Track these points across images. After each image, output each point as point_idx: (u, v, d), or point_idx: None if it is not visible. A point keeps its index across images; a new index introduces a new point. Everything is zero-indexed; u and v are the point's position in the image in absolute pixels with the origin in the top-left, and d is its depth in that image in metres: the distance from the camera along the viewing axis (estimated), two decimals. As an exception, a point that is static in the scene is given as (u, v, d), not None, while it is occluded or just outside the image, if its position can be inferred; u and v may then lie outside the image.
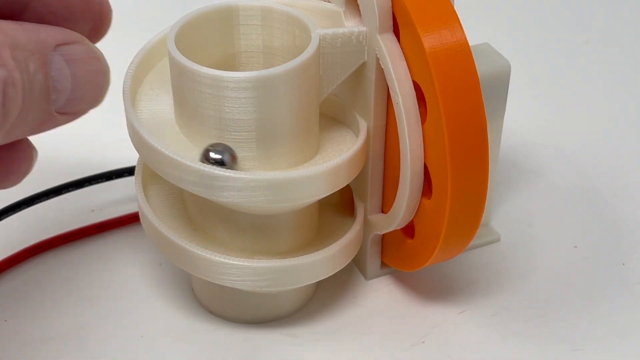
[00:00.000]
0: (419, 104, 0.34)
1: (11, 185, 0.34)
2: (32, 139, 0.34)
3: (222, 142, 0.34)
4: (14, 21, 0.30)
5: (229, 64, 0.37)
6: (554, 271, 0.42)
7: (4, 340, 0.38)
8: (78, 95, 0.31)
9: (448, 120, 0.33)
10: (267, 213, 0.36)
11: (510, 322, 0.39)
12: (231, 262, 0.35)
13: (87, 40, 0.32)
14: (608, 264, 0.42)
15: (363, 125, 0.37)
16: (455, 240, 0.36)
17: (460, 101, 0.33)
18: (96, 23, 0.33)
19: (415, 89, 0.34)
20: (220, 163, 0.34)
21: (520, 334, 0.39)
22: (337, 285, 0.41)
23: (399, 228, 0.38)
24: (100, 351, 0.38)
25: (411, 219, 0.37)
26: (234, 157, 0.34)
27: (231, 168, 0.34)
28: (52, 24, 0.31)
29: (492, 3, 0.64)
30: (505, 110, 0.40)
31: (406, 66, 0.34)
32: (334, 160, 0.35)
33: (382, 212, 0.39)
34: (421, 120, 0.34)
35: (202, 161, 0.34)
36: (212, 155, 0.34)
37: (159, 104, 0.37)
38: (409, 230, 0.38)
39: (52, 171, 0.47)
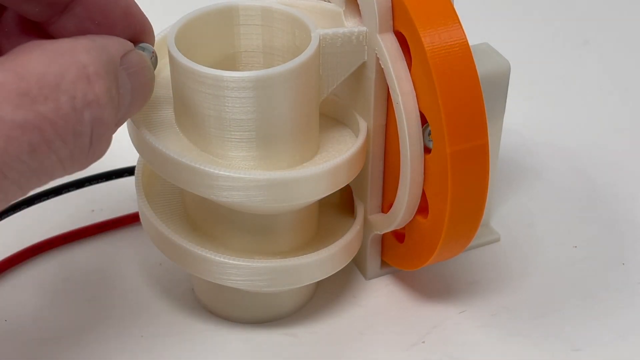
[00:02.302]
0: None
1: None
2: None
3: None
4: (83, 37, 0.29)
5: (229, 64, 0.38)
6: (554, 271, 0.42)
7: (4, 340, 0.38)
8: (132, 108, 0.30)
9: (448, 120, 0.33)
10: (267, 213, 0.36)
11: (510, 322, 0.39)
12: (231, 262, 0.35)
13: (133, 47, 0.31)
14: (608, 264, 0.42)
15: (363, 125, 0.37)
16: (449, 250, 0.36)
17: (460, 101, 0.33)
18: (135, 42, 0.31)
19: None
20: None
21: (520, 333, 0.39)
22: (337, 285, 0.41)
23: (398, 228, 0.38)
24: (100, 351, 0.38)
25: (411, 219, 0.37)
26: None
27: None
28: (88, 32, 0.30)
29: (492, 3, 0.64)
30: (505, 110, 0.40)
31: (406, 66, 0.34)
32: (334, 160, 0.35)
33: (382, 212, 0.39)
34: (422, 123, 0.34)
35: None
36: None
37: (159, 104, 0.37)
38: (399, 236, 0.38)
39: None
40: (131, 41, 0.31)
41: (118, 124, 0.30)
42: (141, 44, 0.32)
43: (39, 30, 0.30)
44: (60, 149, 0.27)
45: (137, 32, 0.32)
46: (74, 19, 0.30)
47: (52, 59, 0.27)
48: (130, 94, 0.30)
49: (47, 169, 0.27)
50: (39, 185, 0.27)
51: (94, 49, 0.28)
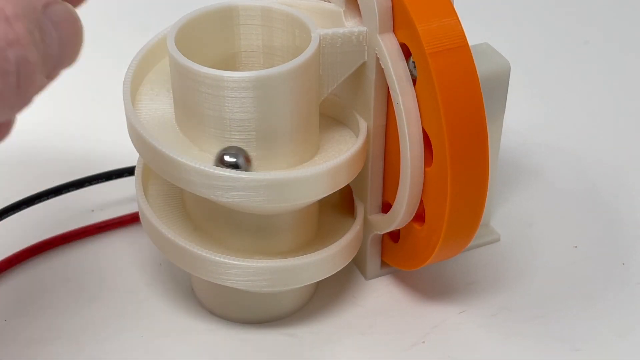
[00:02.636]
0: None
1: None
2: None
3: (235, 145, 0.34)
4: None
5: (229, 64, 0.38)
6: (554, 271, 0.42)
7: (4, 340, 0.38)
8: (62, 59, 0.30)
9: (448, 120, 0.33)
10: (267, 213, 0.36)
11: (510, 322, 0.39)
12: (231, 262, 0.35)
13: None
14: (608, 264, 0.42)
15: (363, 125, 0.37)
16: (461, 219, 0.35)
17: (460, 101, 0.33)
18: None
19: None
20: (234, 166, 0.34)
21: (520, 333, 0.39)
22: (337, 285, 0.41)
23: (398, 228, 0.38)
24: (100, 351, 0.38)
25: (411, 219, 0.37)
26: (248, 160, 0.34)
27: (246, 170, 0.34)
28: None
29: (492, 3, 0.64)
30: (505, 110, 0.40)
31: (406, 66, 0.34)
32: (334, 160, 0.35)
33: (382, 211, 0.39)
34: (421, 121, 0.34)
35: (216, 165, 0.34)
36: (227, 158, 0.34)
37: (159, 104, 0.37)
38: (419, 216, 0.37)
39: (52, 171, 0.47)
40: None
41: (50, 76, 0.30)
42: None
43: None
44: None
45: None
46: None
47: None
48: (57, 43, 0.30)
49: None
50: None
51: None
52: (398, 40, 0.34)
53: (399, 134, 0.35)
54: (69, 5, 0.31)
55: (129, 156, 0.42)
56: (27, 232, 0.43)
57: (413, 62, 0.34)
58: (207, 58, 0.36)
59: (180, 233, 0.37)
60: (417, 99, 0.34)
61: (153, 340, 0.38)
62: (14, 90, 0.28)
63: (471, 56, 0.33)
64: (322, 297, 0.40)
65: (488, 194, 0.35)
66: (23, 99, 0.29)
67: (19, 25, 0.28)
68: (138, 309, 0.40)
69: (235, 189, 0.33)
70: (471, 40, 0.33)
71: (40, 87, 0.30)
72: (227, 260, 0.35)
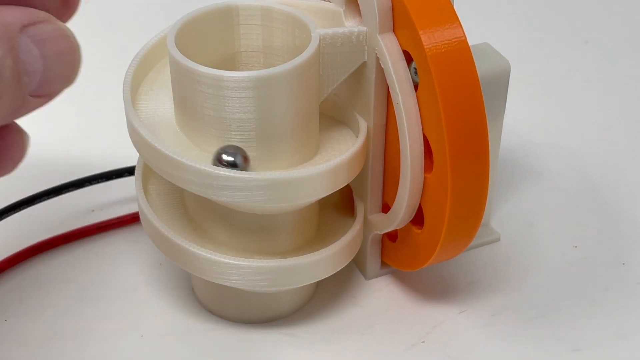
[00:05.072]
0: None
1: (5, 174, 0.33)
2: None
3: (233, 144, 0.34)
4: None
5: (229, 64, 0.38)
6: (554, 271, 0.42)
7: (4, 340, 0.38)
8: (50, 75, 0.31)
9: (448, 119, 0.33)
10: (267, 213, 0.36)
11: (510, 322, 0.39)
12: (231, 262, 0.35)
13: (54, 19, 0.31)
14: (608, 264, 0.42)
15: (363, 125, 0.37)
16: (461, 223, 0.35)
17: (460, 101, 0.33)
18: None
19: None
20: (232, 165, 0.34)
21: (520, 333, 0.39)
22: (337, 285, 0.41)
23: (398, 228, 0.38)
24: (100, 351, 0.38)
25: (410, 219, 0.37)
26: (246, 159, 0.34)
27: (244, 169, 0.34)
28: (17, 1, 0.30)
29: (492, 3, 0.64)
30: (505, 110, 0.40)
31: (406, 66, 0.34)
32: (334, 160, 0.35)
33: (382, 211, 0.39)
34: (421, 123, 0.34)
35: (214, 164, 0.34)
36: (225, 157, 0.34)
37: (159, 104, 0.37)
38: (418, 219, 0.37)
39: (52, 171, 0.47)
40: (67, 9, 0.32)
41: (39, 93, 0.30)
42: None
43: None
44: None
45: None
46: None
47: None
48: (40, 61, 0.30)
49: None
50: None
51: None
52: (400, 45, 0.34)
53: (399, 134, 0.35)
54: (61, 24, 0.31)
55: (129, 156, 0.42)
56: (27, 232, 0.43)
57: (415, 68, 0.34)
58: (207, 58, 0.36)
59: (180, 233, 0.37)
60: (419, 104, 0.34)
61: (153, 340, 0.38)
62: None
63: (471, 56, 0.33)
64: (322, 297, 0.40)
65: (488, 194, 0.35)
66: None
67: None
68: (138, 309, 0.40)
69: (235, 189, 0.33)
70: (471, 40, 0.33)
71: (25, 106, 0.30)
72: (227, 260, 0.35)
